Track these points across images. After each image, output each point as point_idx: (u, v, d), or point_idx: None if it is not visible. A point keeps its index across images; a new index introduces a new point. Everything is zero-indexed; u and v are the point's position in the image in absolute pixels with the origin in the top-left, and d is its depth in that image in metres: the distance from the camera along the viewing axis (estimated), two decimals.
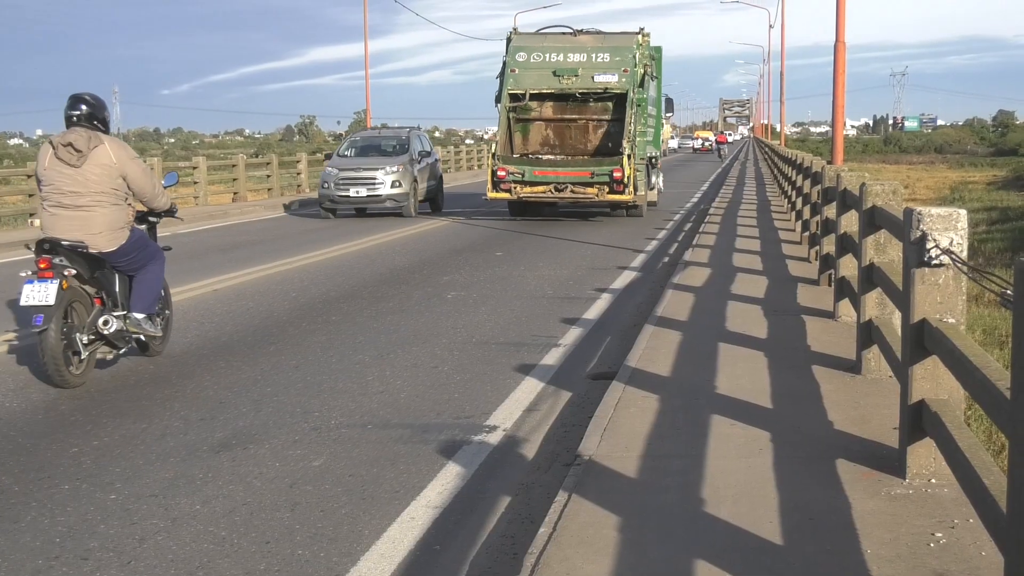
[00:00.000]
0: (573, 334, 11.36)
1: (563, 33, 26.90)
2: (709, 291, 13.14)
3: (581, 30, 26.96)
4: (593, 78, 25.79)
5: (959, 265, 5.49)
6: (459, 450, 7.26)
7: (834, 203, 11.71)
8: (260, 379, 9.28)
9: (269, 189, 36.69)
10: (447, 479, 6.68)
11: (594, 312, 12.82)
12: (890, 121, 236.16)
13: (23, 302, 8.79)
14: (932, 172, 66.51)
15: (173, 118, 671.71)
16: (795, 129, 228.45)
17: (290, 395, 8.73)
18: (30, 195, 25.46)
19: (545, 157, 26.08)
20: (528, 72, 25.95)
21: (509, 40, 26.71)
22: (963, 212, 5.59)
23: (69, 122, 9.29)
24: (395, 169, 27.77)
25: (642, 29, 27.18)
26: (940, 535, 5.12)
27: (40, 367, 8.96)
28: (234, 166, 35.20)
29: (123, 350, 9.74)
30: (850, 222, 10.48)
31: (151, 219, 10.31)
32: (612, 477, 6.16)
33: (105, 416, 8.14)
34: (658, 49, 29.25)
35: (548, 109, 26.63)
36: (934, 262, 5.59)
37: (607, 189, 24.71)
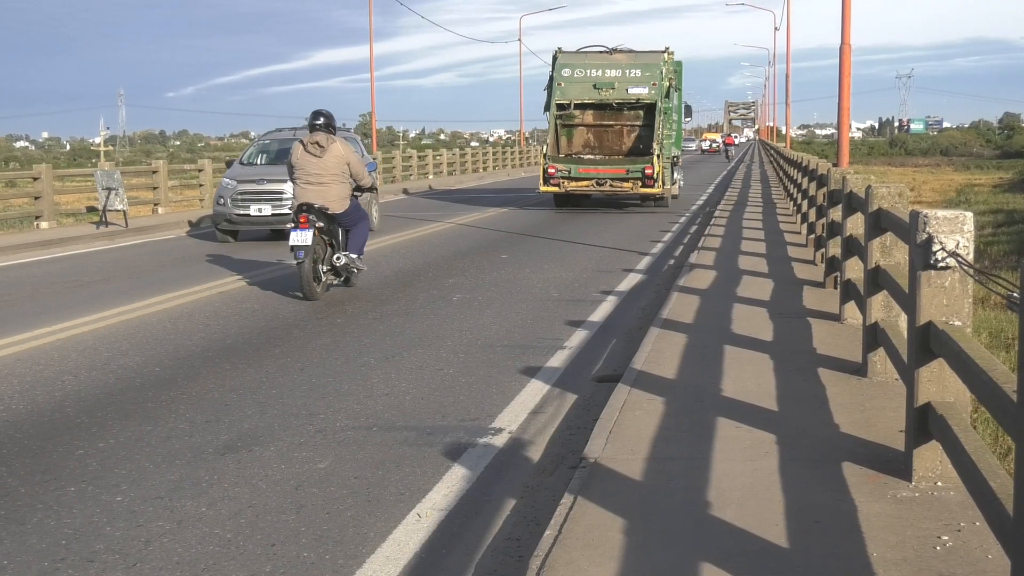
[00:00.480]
0: (578, 336, 11.36)
1: (601, 52, 31.32)
2: (714, 293, 13.13)
3: (616, 49, 31.37)
4: (627, 90, 30.39)
5: (965, 268, 5.48)
6: (464, 452, 7.26)
7: (840, 205, 11.70)
8: (265, 381, 9.29)
9: None
10: (453, 482, 6.69)
11: (599, 314, 12.81)
12: (896, 123, 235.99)
13: (292, 243, 13.63)
14: (938, 175, 66.45)
15: (178, 121, 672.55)
16: (800, 131, 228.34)
17: (295, 397, 8.73)
18: (36, 197, 25.52)
19: (587, 157, 30.66)
20: (572, 85, 30.53)
21: (555, 58, 31.09)
22: (969, 215, 5.58)
23: (313, 128, 14.07)
24: None
25: (667, 48, 31.58)
26: (946, 538, 5.11)
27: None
28: None
29: (341, 279, 14.55)
30: (856, 225, 10.46)
31: (356, 193, 14.63)
32: (617, 480, 6.15)
33: (111, 418, 8.15)
34: (679, 63, 33.19)
35: (589, 116, 31.18)
36: (940, 265, 5.59)
37: (640, 183, 29.31)
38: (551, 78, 31.04)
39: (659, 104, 30.23)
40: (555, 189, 30.11)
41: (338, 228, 14.36)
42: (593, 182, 29.80)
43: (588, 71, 30.81)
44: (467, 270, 16.97)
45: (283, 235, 20.28)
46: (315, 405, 8.49)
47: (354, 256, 14.40)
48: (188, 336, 11.30)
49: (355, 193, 14.57)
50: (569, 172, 29.85)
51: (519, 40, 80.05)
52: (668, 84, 31.14)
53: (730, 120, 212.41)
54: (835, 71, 20.24)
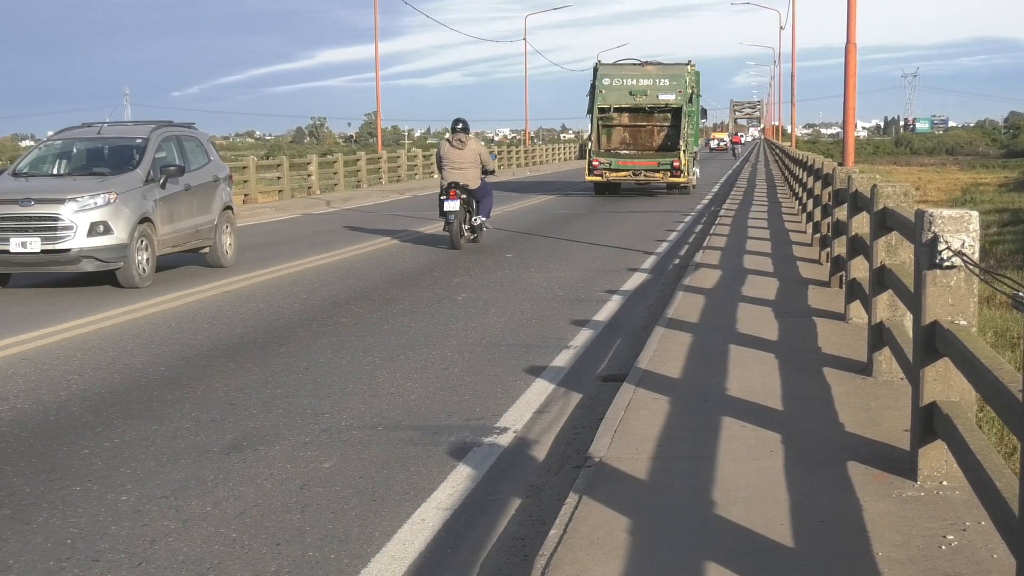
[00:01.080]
0: (583, 336, 11.35)
1: (635, 64, 38.32)
2: (720, 293, 13.13)
3: (647, 62, 38.28)
4: (658, 96, 37.25)
5: (971, 267, 5.48)
6: (469, 452, 7.26)
7: (845, 205, 11.69)
8: (270, 381, 9.30)
9: (280, 191, 36.75)
10: (458, 481, 6.69)
11: (604, 314, 12.81)
12: (901, 123, 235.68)
13: (445, 209, 19.61)
14: (943, 174, 66.44)
15: (184, 119, 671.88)
16: (806, 131, 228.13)
17: (300, 397, 8.74)
18: None
19: (624, 152, 37.59)
20: (611, 92, 37.33)
21: (596, 69, 37.85)
22: (975, 214, 5.58)
23: (455, 130, 20.32)
24: (100, 201, 14.99)
25: (690, 61, 38.59)
26: (952, 538, 5.11)
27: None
28: (245, 168, 35.23)
29: (474, 236, 20.38)
30: (861, 224, 10.46)
31: (483, 174, 20.42)
32: (623, 479, 6.15)
33: (116, 417, 8.15)
34: (698, 73, 39.64)
35: (625, 118, 38.16)
36: (946, 264, 5.58)
37: (668, 174, 36.11)
38: (593, 86, 37.63)
39: (684, 108, 36.90)
40: (598, 178, 36.73)
41: (473, 199, 20.22)
42: (630, 172, 36.53)
43: (624, 80, 37.45)
44: (472, 269, 16.98)
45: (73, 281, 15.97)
46: (320, 404, 8.49)
47: (484, 219, 20.59)
48: (193, 335, 11.31)
49: (483, 175, 20.38)
50: (610, 164, 36.45)
51: (524, 39, 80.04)
52: (691, 91, 37.83)
53: (735, 119, 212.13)
54: (840, 70, 20.23)
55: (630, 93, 37.21)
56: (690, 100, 37.67)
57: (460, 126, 20.31)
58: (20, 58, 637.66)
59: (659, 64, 38.28)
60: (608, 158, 36.70)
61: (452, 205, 19.52)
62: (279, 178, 37.34)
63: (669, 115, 37.49)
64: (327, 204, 34.12)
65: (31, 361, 10.12)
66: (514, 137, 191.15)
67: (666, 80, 37.42)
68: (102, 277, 15.23)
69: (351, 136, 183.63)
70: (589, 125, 38.70)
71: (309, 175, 39.77)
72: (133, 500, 6.35)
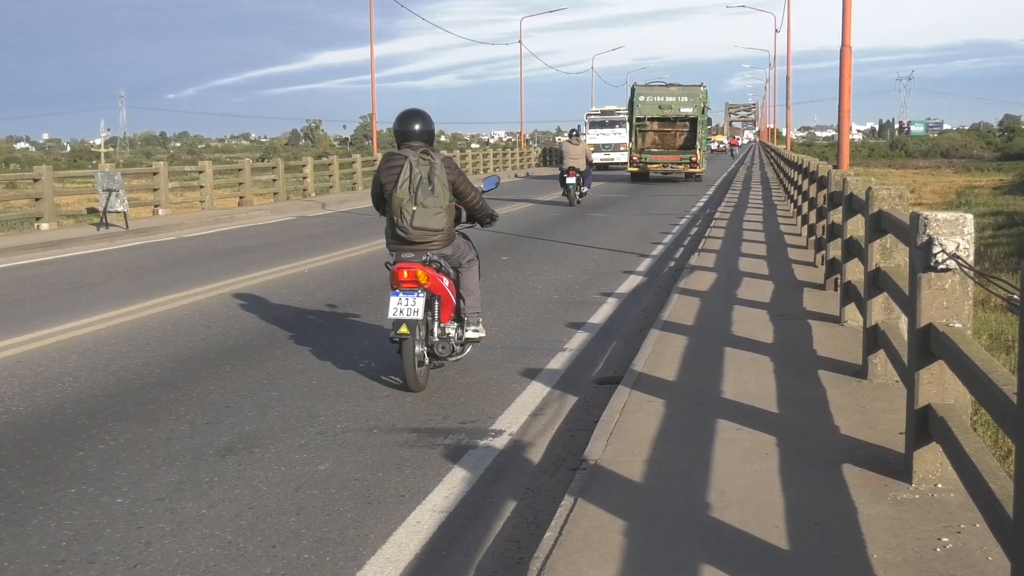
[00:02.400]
0: (579, 338, 11.36)
1: (662, 85, 53.35)
2: (715, 295, 13.13)
3: (671, 84, 53.31)
4: (680, 110, 51.58)
5: (965, 270, 5.48)
6: (465, 454, 7.26)
7: (840, 208, 11.71)
8: (266, 383, 9.29)
9: (275, 193, 36.72)
10: (453, 483, 6.69)
11: (600, 316, 12.82)
12: (896, 125, 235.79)
13: (566, 182, 32.92)
14: (938, 176, 66.48)
15: (179, 122, 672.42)
16: (801, 133, 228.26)
17: (296, 399, 8.74)
18: (37, 199, 25.53)
19: (654, 150, 51.12)
20: (644, 106, 51.74)
21: (633, 89, 52.50)
22: (969, 216, 5.59)
23: (571, 133, 34.39)
24: None
25: (703, 83, 52.94)
26: (946, 540, 5.11)
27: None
28: (240, 170, 35.21)
29: (579, 199, 33.26)
30: (856, 227, 10.47)
31: (587, 163, 33.90)
32: (618, 481, 6.16)
33: (111, 420, 8.15)
34: (707, 91, 52.82)
35: (655, 125, 52.18)
36: (940, 267, 5.59)
37: (688, 166, 49.74)
38: (631, 102, 52.33)
39: (699, 119, 51.54)
40: (636, 169, 50.12)
41: (580, 177, 32.89)
42: (660, 165, 50.01)
43: (654, 97, 52.00)
44: None
45: None
46: (316, 407, 8.49)
47: (587, 189, 34.21)
48: (189, 338, 11.30)
49: (587, 163, 33.40)
50: (645, 160, 49.99)
51: (520, 42, 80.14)
52: (703, 106, 51.91)
53: (731, 122, 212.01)
54: (835, 73, 20.24)
55: (659, 107, 51.77)
56: (702, 112, 52.07)
57: (575, 131, 34.52)
58: (14, 60, 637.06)
59: (680, 85, 52.94)
60: (644, 155, 50.32)
61: (571, 180, 32.85)
62: (274, 180, 37.31)
63: (688, 124, 51.69)
64: (322, 206, 34.12)
65: (26, 363, 10.11)
66: (509, 139, 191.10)
67: (685, 98, 51.73)
68: (99, 279, 15.19)
69: (346, 138, 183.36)
70: (628, 130, 54.52)
71: (304, 177, 39.79)
72: (128, 502, 6.34)
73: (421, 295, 8.76)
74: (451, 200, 9.06)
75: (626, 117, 57.93)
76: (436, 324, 9.06)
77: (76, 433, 7.81)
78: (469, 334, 9.37)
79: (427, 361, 9.01)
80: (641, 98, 51.74)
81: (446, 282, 9.11)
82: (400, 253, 9.11)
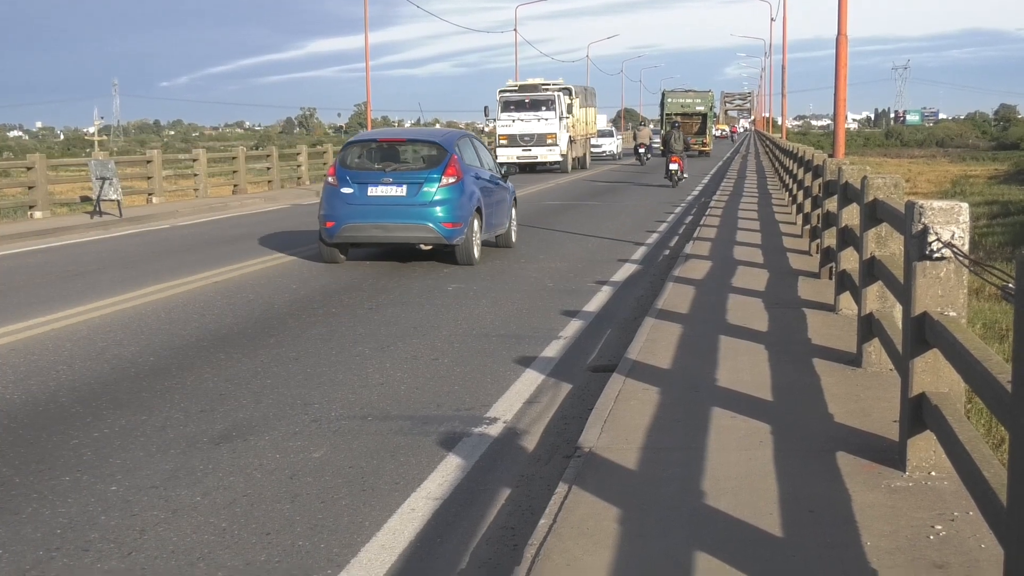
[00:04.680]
0: (574, 326, 11.36)
1: (683, 91, 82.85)
2: (710, 284, 13.14)
3: (690, 90, 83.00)
4: (696, 108, 79.07)
5: (960, 258, 5.48)
6: (459, 442, 7.26)
7: (835, 196, 11.70)
8: (260, 371, 9.29)
9: (269, 181, 36.71)
10: (447, 471, 6.69)
11: (595, 304, 12.82)
12: (892, 114, 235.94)
13: (670, 169, 37.69)
14: (933, 166, 66.48)
15: (173, 111, 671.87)
16: (796, 122, 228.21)
17: (290, 387, 8.73)
18: (30, 187, 25.49)
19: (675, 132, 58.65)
20: (671, 106, 78.11)
21: (664, 94, 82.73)
22: (965, 205, 5.58)
23: (673, 125, 41.28)
24: None
25: (710, 89, 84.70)
26: (940, 527, 5.12)
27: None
28: (234, 158, 35.19)
29: (678, 182, 38.15)
30: (851, 215, 10.47)
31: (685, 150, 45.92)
32: (612, 469, 6.16)
33: (105, 408, 8.14)
34: (714, 95, 78.90)
35: (679, 118, 60.54)
36: (935, 255, 5.59)
37: (701, 146, 75.30)
38: (662, 103, 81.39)
39: (708, 114, 79.55)
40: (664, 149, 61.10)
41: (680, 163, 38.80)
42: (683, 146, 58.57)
43: (677, 99, 79.24)
44: None
45: None
46: (310, 395, 8.49)
47: (685, 176, 38.35)
48: (183, 326, 11.29)
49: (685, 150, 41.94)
50: (671, 147, 53.44)
51: (515, 30, 79.87)
52: (711, 104, 79.49)
53: (726, 111, 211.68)
54: (831, 62, 20.19)
55: (681, 106, 77.74)
56: (710, 109, 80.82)
57: (676, 124, 41.68)
58: (8, 48, 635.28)
59: (695, 91, 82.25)
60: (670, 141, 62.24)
61: (674, 167, 37.32)
62: (269, 168, 37.32)
63: (701, 117, 78.40)
64: (317, 195, 33.89)
65: (20, 352, 10.10)
66: None
67: (699, 99, 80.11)
68: (92, 267, 15.17)
69: (341, 126, 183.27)
70: (661, 124, 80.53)
71: (299, 165, 39.77)
72: (123, 490, 6.34)
73: None
74: None
75: (555, 96, 49.23)
76: None
77: (70, 421, 7.80)
78: None
79: None
80: (669, 100, 79.79)
81: None
82: None
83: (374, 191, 16.00)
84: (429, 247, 16.59)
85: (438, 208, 15.84)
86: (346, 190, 16.03)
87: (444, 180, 15.90)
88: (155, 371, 9.32)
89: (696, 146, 73.21)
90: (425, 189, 15.89)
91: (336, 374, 9.17)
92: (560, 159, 49.02)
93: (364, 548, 5.48)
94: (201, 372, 9.26)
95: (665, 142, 40.03)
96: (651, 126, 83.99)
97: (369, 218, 15.90)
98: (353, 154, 16.69)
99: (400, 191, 15.96)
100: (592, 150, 61.64)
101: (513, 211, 18.95)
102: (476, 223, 16.38)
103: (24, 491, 6.34)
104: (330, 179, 16.40)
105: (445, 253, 16.62)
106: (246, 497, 6.21)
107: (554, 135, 48.32)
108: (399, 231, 16.00)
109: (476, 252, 16.34)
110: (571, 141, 50.80)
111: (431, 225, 15.80)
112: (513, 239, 18.79)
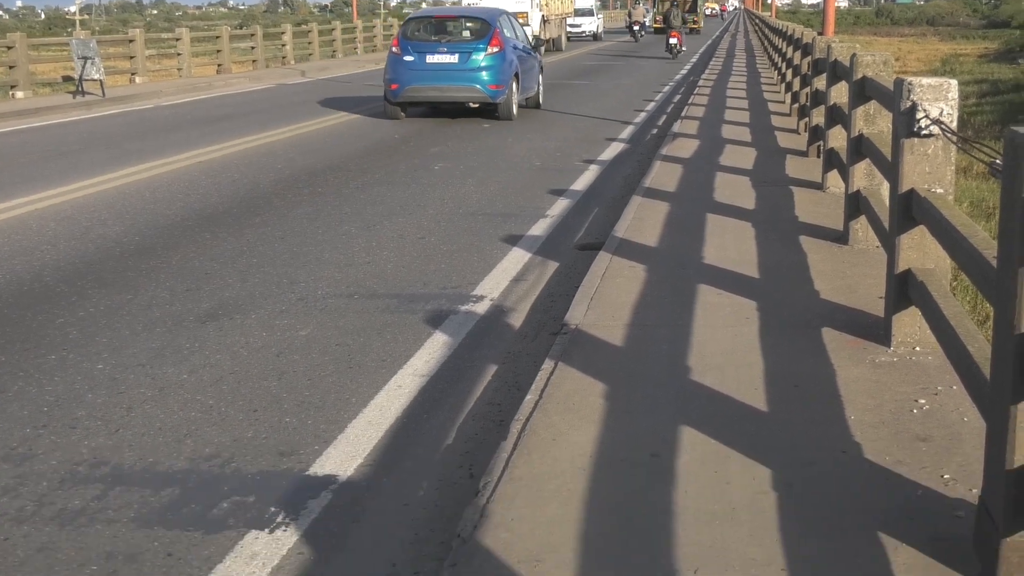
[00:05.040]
0: (561, 205, 11.32)
1: None
2: (698, 162, 13.07)
3: None
4: None
5: (948, 135, 5.44)
6: (446, 320, 7.27)
7: (824, 74, 11.60)
8: (246, 250, 9.25)
9: (254, 61, 36.22)
10: (434, 348, 6.70)
11: (582, 183, 12.77)
12: None
13: (670, 43, 41.72)
14: (923, 44, 65.87)
15: None
16: (786, 1, 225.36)
17: (276, 266, 8.71)
18: (11, 67, 25.13)
19: (674, 11, 52.58)
20: None
21: None
22: (954, 82, 5.53)
23: (674, 4, 46.62)
24: None
25: None
26: (923, 402, 5.16)
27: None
28: (218, 38, 34.65)
29: (677, 55, 41.90)
30: (840, 93, 10.38)
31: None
32: (598, 346, 6.18)
33: (90, 287, 8.11)
34: None
35: (668, 3, 58.65)
36: (924, 132, 5.54)
37: (692, 24, 72.29)
38: None
39: None
40: (660, 25, 60.57)
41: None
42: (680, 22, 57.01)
43: None
44: (449, 139, 16.85)
45: None
46: (296, 273, 8.47)
47: (684, 49, 40.86)
48: (167, 205, 11.22)
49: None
50: (670, 22, 52.59)
51: None
52: None
53: None
54: None
55: None
56: None
57: (675, 2, 44.66)
58: None
59: None
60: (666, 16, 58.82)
61: (674, 41, 40.79)
62: (253, 48, 36.80)
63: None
64: (302, 74, 33.70)
65: (3, 232, 10.04)
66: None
67: None
68: (75, 147, 15.03)
69: (326, 5, 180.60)
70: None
71: (283, 45, 39.23)
72: (109, 368, 6.35)
73: None
74: None
75: None
76: None
77: (55, 301, 7.78)
78: None
79: None
80: None
81: None
82: None
83: (431, 58, 19.09)
84: (476, 105, 19.56)
85: (484, 72, 18.91)
86: (408, 58, 19.09)
87: (489, 49, 19.01)
88: (140, 250, 9.28)
89: (687, 24, 75.69)
90: (474, 57, 18.97)
91: (322, 253, 9.14)
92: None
93: (351, 424, 5.50)
94: (186, 251, 9.23)
95: (665, 18, 45.38)
96: (644, 4, 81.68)
97: (427, 81, 18.97)
98: (413, 28, 19.97)
99: (453, 58, 19.09)
100: (569, 30, 57.06)
101: (540, 76, 22.13)
102: (514, 85, 19.49)
103: (10, 369, 6.34)
104: (394, 49, 19.43)
105: (489, 109, 19.57)
106: (233, 375, 6.22)
107: (524, 14, 42.89)
108: (452, 91, 19.10)
109: (515, 109, 19.54)
110: (544, 21, 46.67)
111: (478, 87, 18.91)
112: (540, 100, 22.16)
